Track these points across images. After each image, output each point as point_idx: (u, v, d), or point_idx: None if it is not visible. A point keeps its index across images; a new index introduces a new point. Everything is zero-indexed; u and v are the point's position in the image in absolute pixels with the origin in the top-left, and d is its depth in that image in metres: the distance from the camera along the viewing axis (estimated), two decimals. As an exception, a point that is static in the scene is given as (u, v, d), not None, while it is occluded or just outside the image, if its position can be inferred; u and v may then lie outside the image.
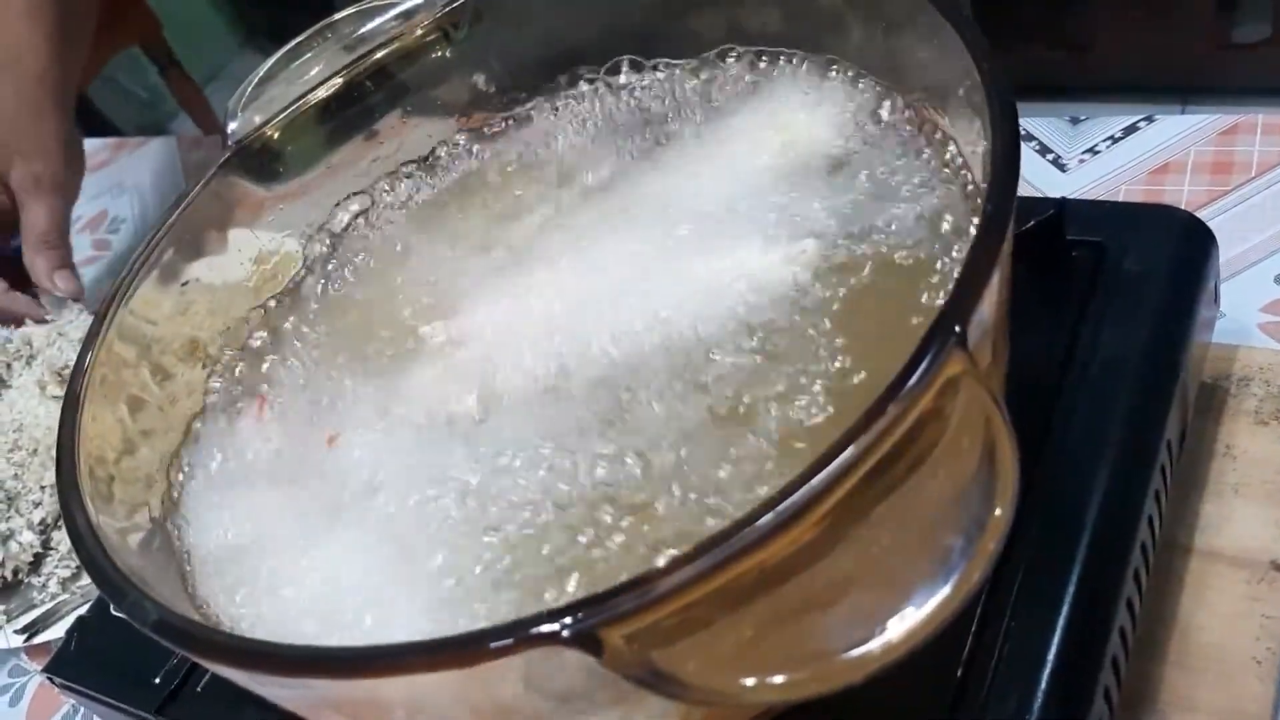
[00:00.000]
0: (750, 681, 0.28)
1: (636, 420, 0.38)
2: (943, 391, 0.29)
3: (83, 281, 0.81)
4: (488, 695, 0.31)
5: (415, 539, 0.38)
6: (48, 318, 0.80)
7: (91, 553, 0.36)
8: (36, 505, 0.70)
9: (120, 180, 1.02)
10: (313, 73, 0.52)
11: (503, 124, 0.53)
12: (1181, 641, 0.46)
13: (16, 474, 0.71)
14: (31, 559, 0.70)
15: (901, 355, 0.29)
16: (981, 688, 0.39)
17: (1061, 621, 0.40)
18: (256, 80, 0.51)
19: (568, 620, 0.28)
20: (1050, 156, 0.68)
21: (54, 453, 0.41)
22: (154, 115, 2.46)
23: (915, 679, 0.32)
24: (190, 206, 0.50)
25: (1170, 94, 1.77)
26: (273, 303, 0.53)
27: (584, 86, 0.52)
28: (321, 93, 0.52)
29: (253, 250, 0.54)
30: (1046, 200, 0.48)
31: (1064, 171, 0.66)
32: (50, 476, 0.69)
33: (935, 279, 0.40)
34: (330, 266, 0.52)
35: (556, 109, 0.52)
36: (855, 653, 0.28)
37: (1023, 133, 0.69)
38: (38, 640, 0.66)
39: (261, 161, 0.52)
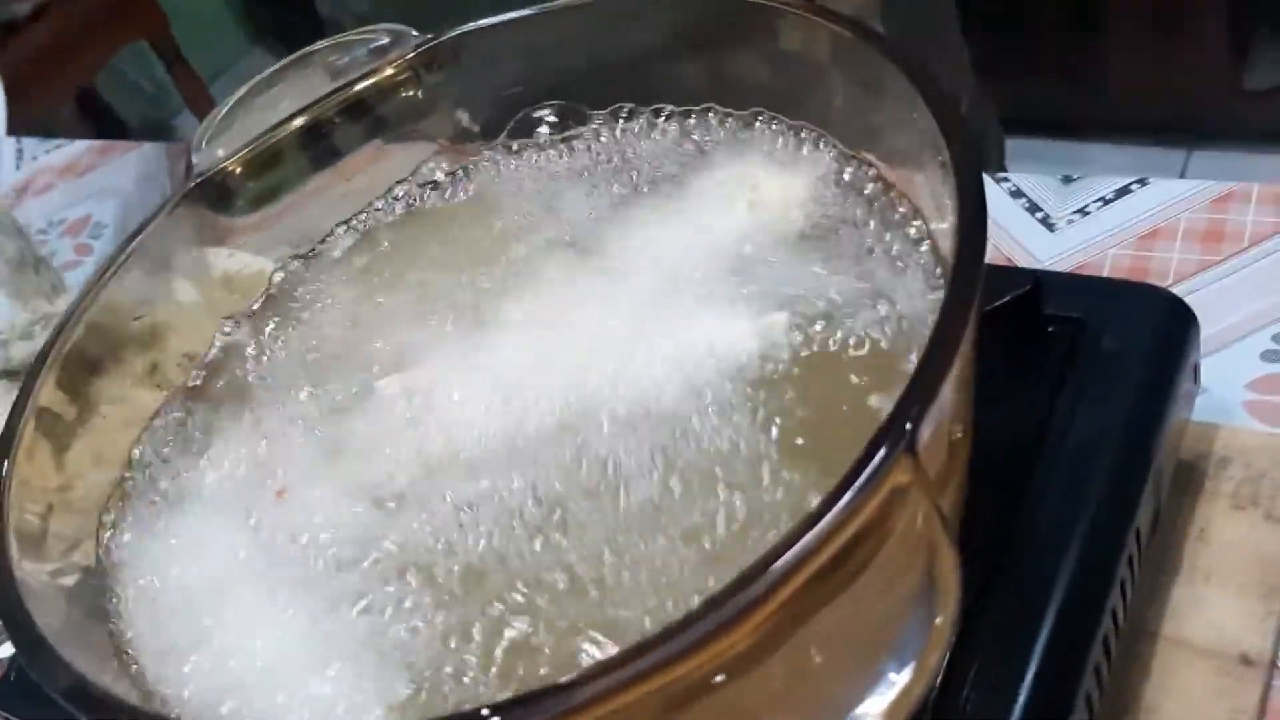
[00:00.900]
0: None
1: (578, 508, 0.37)
2: (887, 501, 0.28)
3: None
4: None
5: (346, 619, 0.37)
6: None
7: (10, 606, 0.35)
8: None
9: (106, 185, 1.01)
10: (283, 105, 0.51)
11: (470, 167, 0.52)
12: (1144, 734, 0.45)
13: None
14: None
15: (859, 443, 0.28)
16: (931, 786, 0.38)
17: (1017, 714, 0.39)
18: (225, 111, 0.51)
19: None
20: (1039, 215, 0.66)
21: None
22: (159, 110, 2.46)
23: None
24: (148, 237, 0.48)
25: (1179, 136, 1.76)
26: (229, 327, 0.52)
27: (552, 134, 0.51)
28: (291, 125, 0.51)
29: (218, 272, 0.53)
30: (1023, 272, 0.47)
31: (1052, 231, 0.65)
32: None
33: (897, 359, 0.38)
34: (291, 303, 0.51)
35: (523, 155, 0.51)
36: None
37: (1012, 189, 0.69)
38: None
39: (225, 193, 0.51)
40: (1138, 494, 0.43)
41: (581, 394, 0.40)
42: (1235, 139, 1.69)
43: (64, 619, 0.39)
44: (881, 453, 0.28)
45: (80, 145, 1.08)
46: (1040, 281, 0.47)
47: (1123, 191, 0.66)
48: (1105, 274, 0.62)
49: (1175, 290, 0.53)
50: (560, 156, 0.50)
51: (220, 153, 0.50)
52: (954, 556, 0.27)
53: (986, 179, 0.69)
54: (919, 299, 0.39)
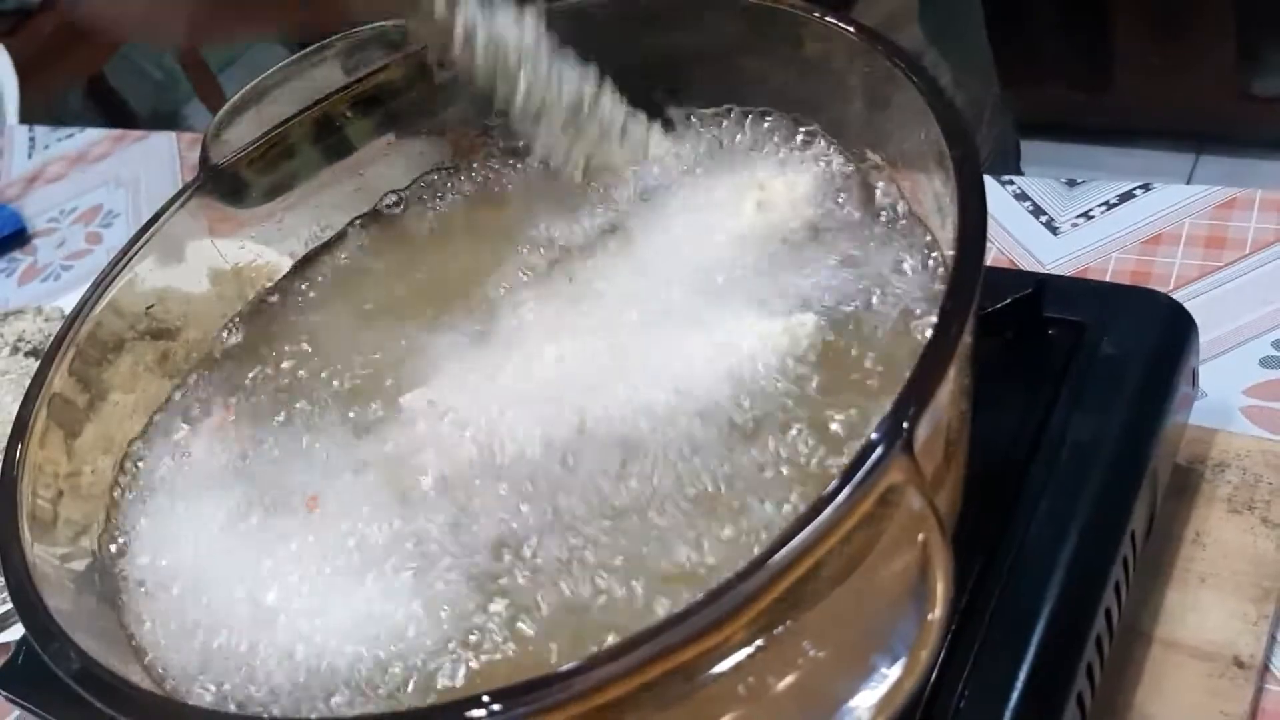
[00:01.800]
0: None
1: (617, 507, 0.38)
2: (882, 500, 0.28)
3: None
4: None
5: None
6: None
7: (23, 590, 0.36)
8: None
9: (117, 174, 1.02)
10: (296, 99, 0.51)
11: (477, 167, 0.52)
12: (1135, 735, 0.45)
13: (-14, 471, 0.71)
14: (-5, 558, 0.69)
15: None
16: (923, 780, 0.38)
17: (1009, 713, 0.40)
18: (239, 104, 0.51)
19: (490, 709, 0.28)
20: (1043, 219, 0.67)
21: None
22: (168, 98, 2.47)
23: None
24: (161, 228, 0.49)
25: (1186, 141, 1.76)
26: (238, 320, 0.52)
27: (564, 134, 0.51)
28: (304, 119, 0.52)
29: (229, 264, 0.53)
30: (1025, 275, 0.48)
31: (1056, 235, 0.66)
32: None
33: (897, 358, 0.39)
34: (299, 300, 0.52)
35: (536, 155, 0.51)
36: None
37: (1017, 192, 0.69)
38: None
39: (238, 185, 0.51)
40: (1133, 496, 0.44)
41: (608, 402, 0.40)
42: (1243, 144, 1.69)
43: (74, 603, 0.40)
44: (878, 451, 0.28)
45: (92, 134, 1.08)
46: (1041, 285, 0.48)
47: (1126, 196, 0.66)
48: (1108, 278, 0.62)
49: (1177, 295, 0.54)
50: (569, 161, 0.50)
51: (233, 145, 0.50)
52: (948, 554, 0.28)
53: (991, 182, 0.69)
54: (920, 299, 0.39)
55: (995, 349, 0.47)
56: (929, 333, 0.32)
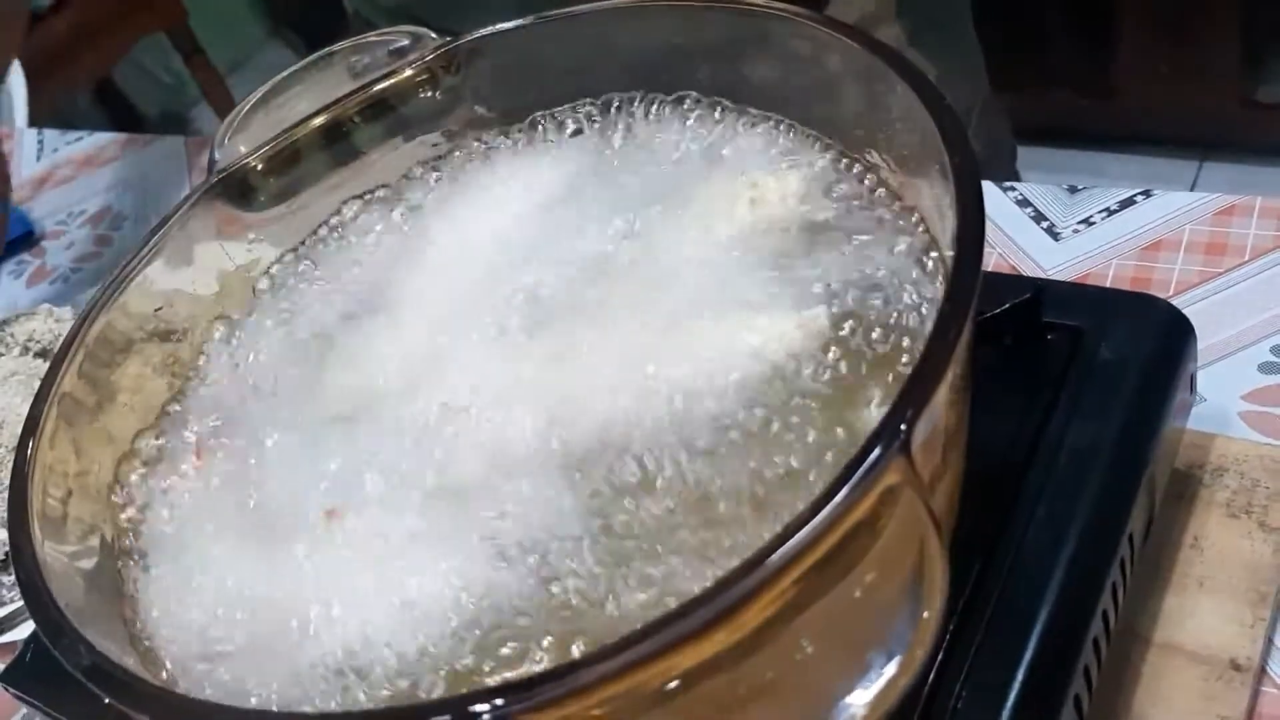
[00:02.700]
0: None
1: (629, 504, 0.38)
2: (880, 501, 0.29)
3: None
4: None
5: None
6: None
7: (33, 586, 0.36)
8: (12, 504, 0.70)
9: (126, 177, 1.02)
10: (304, 103, 0.52)
11: (477, 166, 0.53)
12: (1132, 738, 0.46)
13: (-6, 471, 0.71)
14: (3, 557, 0.70)
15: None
16: (920, 780, 0.39)
17: (1006, 715, 0.40)
18: (246, 109, 0.52)
19: (492, 704, 0.28)
20: (1044, 224, 0.67)
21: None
22: (176, 102, 2.48)
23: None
24: (171, 231, 0.50)
25: (1191, 148, 1.76)
26: (236, 317, 0.53)
27: (565, 135, 0.52)
28: (312, 124, 0.52)
29: (233, 264, 0.54)
30: (1024, 280, 0.48)
31: (1057, 240, 0.66)
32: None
33: (896, 360, 0.39)
34: (302, 299, 0.52)
35: (531, 155, 0.52)
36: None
37: (1018, 198, 0.69)
38: (4, 639, 0.66)
39: (246, 188, 0.52)
40: (1131, 500, 0.44)
41: (612, 403, 0.41)
42: (1248, 151, 1.69)
43: (83, 600, 0.40)
44: (875, 453, 0.29)
45: (100, 137, 1.09)
46: (1040, 290, 0.48)
47: (1127, 203, 0.67)
48: (1109, 284, 0.63)
49: (1177, 301, 0.54)
50: (570, 156, 0.51)
51: (242, 149, 0.51)
52: (943, 555, 0.28)
53: (993, 188, 0.70)
54: (918, 302, 0.40)
55: (994, 353, 0.48)
56: (927, 335, 0.33)
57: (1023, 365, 0.48)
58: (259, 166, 0.51)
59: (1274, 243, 0.62)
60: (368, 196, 0.54)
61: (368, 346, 0.48)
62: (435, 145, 0.54)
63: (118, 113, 2.35)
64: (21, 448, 0.42)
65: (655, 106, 0.50)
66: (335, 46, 0.53)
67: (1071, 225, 0.67)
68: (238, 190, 0.52)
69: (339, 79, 0.52)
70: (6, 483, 0.70)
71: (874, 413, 0.38)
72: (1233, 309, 0.60)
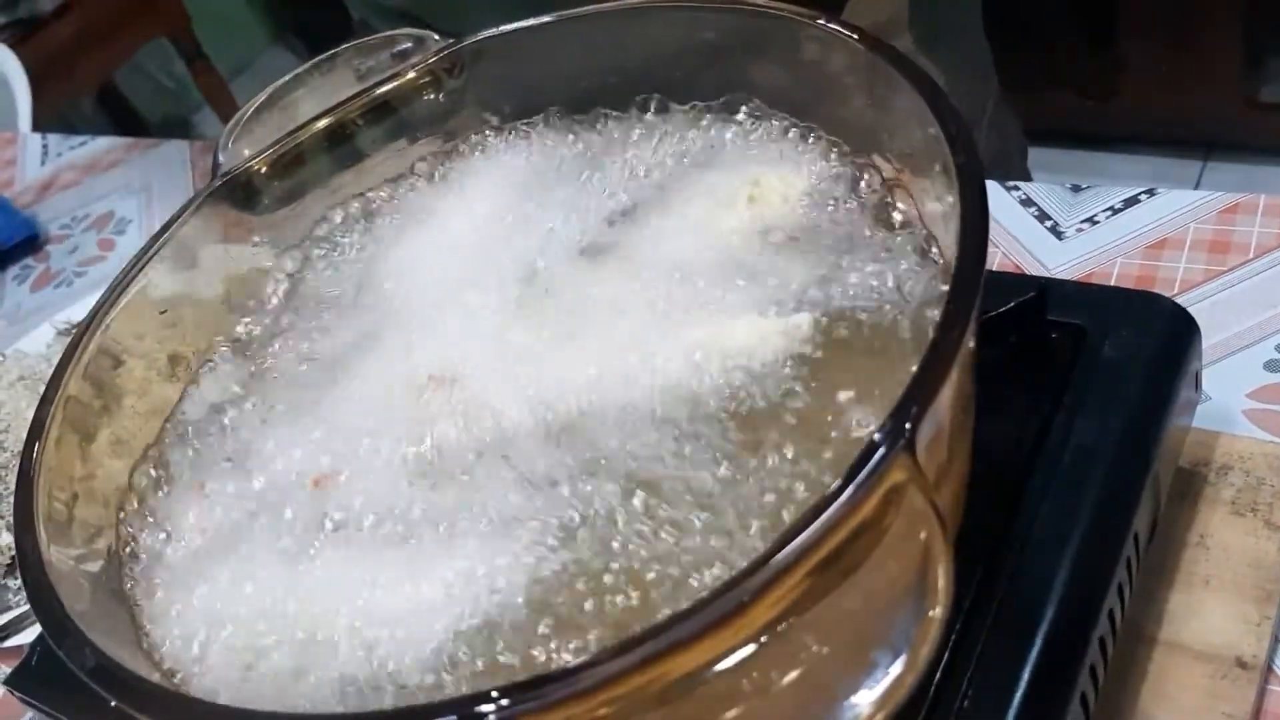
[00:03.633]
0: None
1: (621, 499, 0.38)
2: (885, 500, 0.29)
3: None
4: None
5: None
6: None
7: (39, 589, 0.36)
8: (18, 508, 0.70)
9: (129, 181, 1.03)
10: (307, 106, 0.52)
11: (477, 163, 0.53)
12: (1137, 736, 0.46)
13: (1, 476, 0.72)
14: (9, 561, 0.70)
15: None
16: (927, 779, 0.39)
17: (1013, 713, 0.40)
18: (251, 112, 0.52)
19: (499, 704, 0.28)
20: (1048, 224, 0.67)
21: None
22: (179, 106, 2.48)
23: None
24: (175, 233, 0.50)
25: (1194, 148, 1.76)
26: (243, 323, 0.53)
27: (568, 135, 0.52)
28: (316, 127, 0.52)
29: (242, 269, 0.54)
30: (1028, 279, 0.48)
31: (1061, 239, 0.66)
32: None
33: (899, 360, 0.39)
34: (308, 291, 0.52)
35: (532, 155, 0.52)
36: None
37: (1022, 197, 0.69)
38: (9, 643, 0.66)
39: (250, 191, 0.52)
40: (1136, 499, 0.44)
41: (604, 401, 0.41)
42: (1250, 151, 1.69)
43: (89, 603, 0.40)
44: (880, 451, 0.29)
45: (104, 141, 1.09)
46: (1044, 288, 0.48)
47: (1131, 201, 0.67)
48: (1113, 283, 0.63)
49: (1181, 299, 0.54)
50: (571, 157, 0.51)
51: (246, 152, 0.51)
52: (948, 553, 0.28)
53: (997, 187, 0.70)
54: (923, 301, 0.40)
55: (998, 352, 0.47)
56: (931, 334, 0.33)
57: (1027, 364, 0.48)
58: (263, 169, 0.51)
59: (1278, 241, 0.62)
60: (370, 196, 0.55)
61: (373, 350, 0.48)
62: (438, 147, 0.55)
63: (121, 117, 2.35)
64: (27, 451, 0.42)
65: (658, 107, 0.51)
66: (338, 50, 0.53)
67: (1075, 224, 0.67)
68: (242, 193, 0.52)
69: (342, 82, 0.53)
70: (12, 487, 0.71)
71: (867, 411, 0.38)
72: (1237, 307, 0.60)
